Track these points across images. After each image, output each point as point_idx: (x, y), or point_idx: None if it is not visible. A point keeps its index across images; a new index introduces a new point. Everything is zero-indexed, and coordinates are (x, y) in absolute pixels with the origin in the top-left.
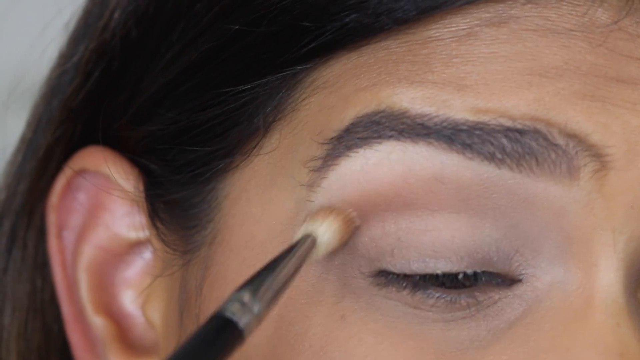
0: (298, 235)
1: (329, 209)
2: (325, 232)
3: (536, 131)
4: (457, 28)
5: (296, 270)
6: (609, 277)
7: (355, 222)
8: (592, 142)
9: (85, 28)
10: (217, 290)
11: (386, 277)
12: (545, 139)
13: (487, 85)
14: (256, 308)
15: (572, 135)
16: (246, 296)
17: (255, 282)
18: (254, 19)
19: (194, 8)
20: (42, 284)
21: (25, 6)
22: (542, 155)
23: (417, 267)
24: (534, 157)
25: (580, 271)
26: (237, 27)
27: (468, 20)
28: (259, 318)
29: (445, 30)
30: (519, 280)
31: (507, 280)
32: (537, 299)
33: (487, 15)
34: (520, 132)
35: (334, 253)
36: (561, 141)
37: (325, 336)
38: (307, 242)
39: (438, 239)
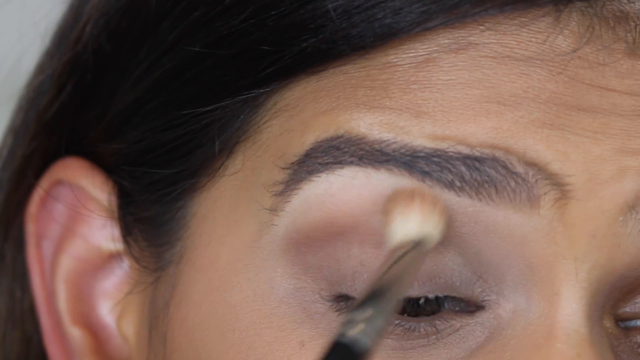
0: (399, 239)
1: (410, 195)
2: (434, 230)
3: (494, 159)
4: (415, 54)
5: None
6: (571, 307)
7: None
8: (552, 170)
9: (59, 40)
10: (182, 310)
11: (345, 302)
12: (504, 167)
13: (444, 113)
14: (378, 323)
15: (531, 164)
16: (368, 313)
17: (373, 299)
18: (215, 40)
19: (160, 26)
20: (21, 295)
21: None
22: (501, 183)
23: None
24: (493, 185)
25: (542, 300)
26: (197, 48)
27: (427, 47)
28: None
29: (404, 56)
30: (482, 307)
31: (470, 306)
32: (499, 327)
33: (446, 41)
34: (479, 160)
35: (297, 276)
36: (520, 169)
37: None
38: (414, 250)
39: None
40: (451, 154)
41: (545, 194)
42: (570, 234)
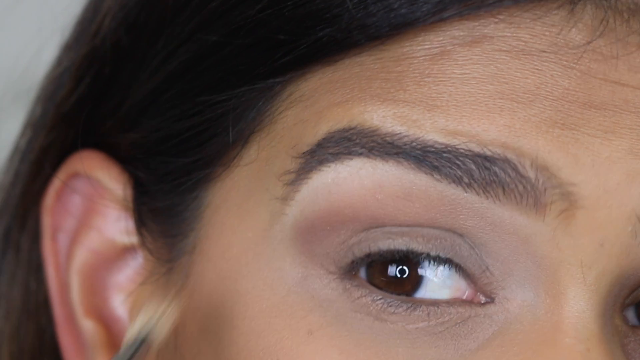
0: (129, 336)
1: (155, 304)
2: (159, 327)
3: (506, 160)
4: (430, 46)
5: None
6: (579, 305)
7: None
8: (562, 178)
9: (78, 33)
10: (195, 300)
11: (353, 280)
12: (515, 169)
13: (457, 107)
14: None
15: (542, 168)
16: None
17: None
18: (231, 30)
19: (177, 18)
20: (36, 287)
21: (24, 7)
22: (509, 185)
23: (383, 244)
24: (500, 185)
25: (548, 297)
26: (215, 38)
27: (441, 39)
28: None
29: (419, 47)
30: (491, 300)
31: (477, 289)
32: (507, 321)
33: (461, 33)
34: (489, 159)
35: (305, 265)
36: (531, 174)
37: (292, 350)
38: (140, 347)
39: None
40: (462, 150)
41: (552, 203)
42: (576, 243)
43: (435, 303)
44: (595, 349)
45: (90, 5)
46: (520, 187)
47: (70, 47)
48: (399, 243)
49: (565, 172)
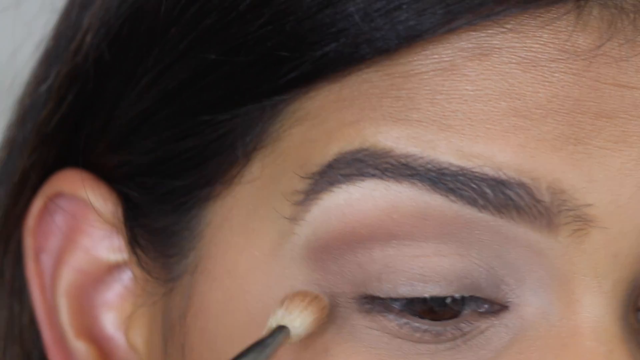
0: (271, 323)
1: (303, 296)
2: (301, 324)
3: (521, 184)
4: (439, 59)
5: None
6: (596, 310)
7: (327, 307)
8: (578, 199)
9: (57, 50)
10: (201, 320)
11: (371, 303)
12: (530, 193)
13: (472, 127)
14: None
15: (559, 192)
16: None
17: None
18: (231, 48)
19: (169, 32)
20: (19, 309)
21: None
22: (523, 208)
23: (405, 290)
24: (515, 208)
25: (562, 304)
26: (213, 56)
27: (450, 52)
28: None
29: (428, 61)
30: (506, 308)
31: (495, 305)
32: (522, 328)
33: (469, 45)
34: (504, 183)
35: (318, 282)
36: (546, 198)
37: None
38: (280, 335)
39: (427, 264)
40: (477, 174)
41: (566, 224)
42: (589, 257)
43: (457, 327)
44: (617, 350)
45: (68, 21)
46: (535, 210)
47: (49, 63)
48: (420, 290)
49: (580, 193)
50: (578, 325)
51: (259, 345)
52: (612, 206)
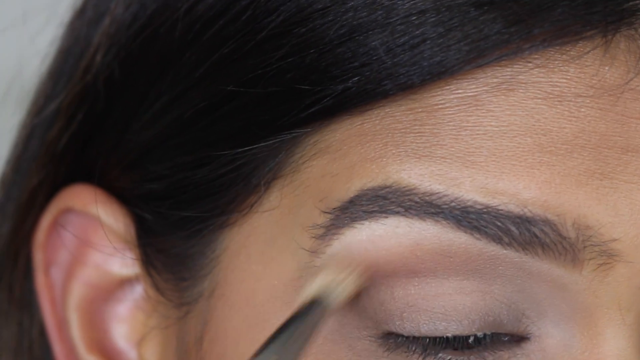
0: (307, 295)
1: (337, 268)
2: (339, 294)
3: (546, 221)
4: (463, 94)
5: (307, 339)
6: (620, 343)
7: (362, 279)
8: (603, 234)
9: (64, 66)
10: (218, 346)
11: (395, 340)
12: (555, 230)
13: (497, 163)
14: None
15: (584, 228)
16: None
17: (267, 352)
18: (248, 78)
19: (183, 56)
20: (29, 323)
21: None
22: (548, 245)
23: (427, 329)
24: (540, 245)
25: (584, 337)
26: (229, 87)
27: (474, 87)
28: None
29: (452, 96)
30: (527, 339)
31: (515, 337)
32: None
33: (495, 80)
34: (530, 221)
35: (342, 314)
36: (572, 234)
37: None
38: (318, 309)
39: (449, 303)
40: (502, 211)
41: (590, 259)
42: (614, 291)
43: (481, 357)
44: None
45: (75, 37)
46: (560, 247)
47: (57, 79)
48: (442, 329)
49: (605, 228)
50: (601, 358)
51: (296, 321)
52: (637, 240)
